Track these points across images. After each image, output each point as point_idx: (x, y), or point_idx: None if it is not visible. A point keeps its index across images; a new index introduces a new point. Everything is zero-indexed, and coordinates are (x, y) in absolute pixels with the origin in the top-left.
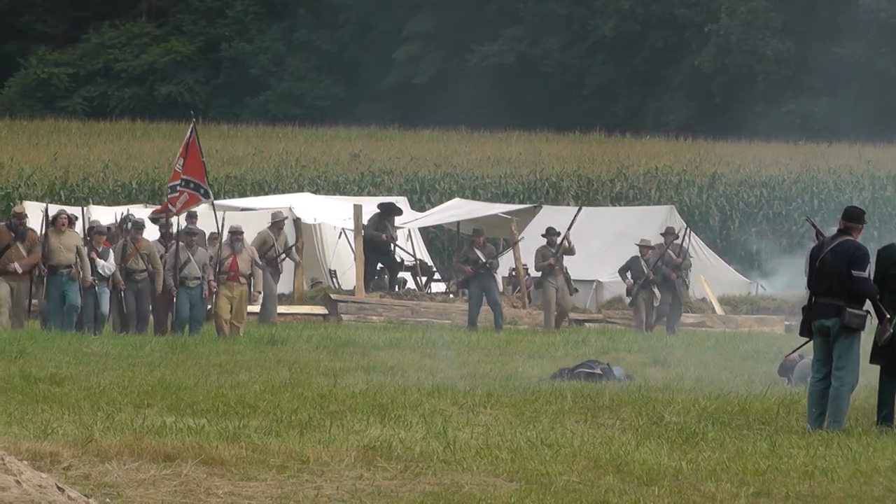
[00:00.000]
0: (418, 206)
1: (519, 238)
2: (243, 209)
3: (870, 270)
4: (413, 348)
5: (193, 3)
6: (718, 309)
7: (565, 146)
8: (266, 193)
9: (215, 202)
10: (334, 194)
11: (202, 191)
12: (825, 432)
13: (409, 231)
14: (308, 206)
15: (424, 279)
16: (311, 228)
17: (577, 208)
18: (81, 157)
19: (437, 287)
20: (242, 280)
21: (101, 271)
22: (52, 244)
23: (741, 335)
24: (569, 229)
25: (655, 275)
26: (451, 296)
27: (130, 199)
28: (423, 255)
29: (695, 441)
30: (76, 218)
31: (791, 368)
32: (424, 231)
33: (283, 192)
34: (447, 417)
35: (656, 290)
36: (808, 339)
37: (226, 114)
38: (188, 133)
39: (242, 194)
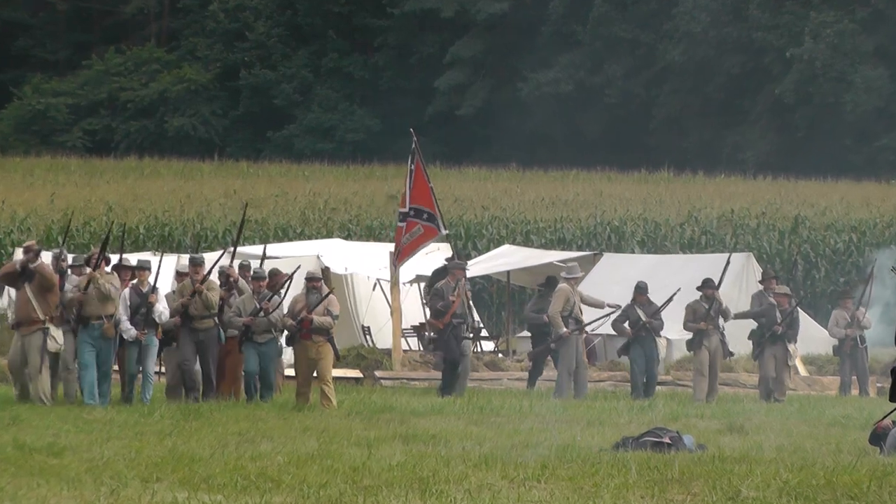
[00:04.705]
0: (463, 253)
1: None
2: (266, 258)
3: None
4: (458, 415)
5: (209, 25)
6: (802, 370)
7: (629, 186)
8: (290, 239)
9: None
10: (368, 240)
11: (436, 223)
12: None
13: None
14: (338, 254)
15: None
16: (342, 279)
17: (727, 255)
18: (82, 198)
19: (486, 346)
20: (316, 338)
21: (156, 318)
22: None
23: (827, 399)
24: (720, 283)
25: (791, 329)
26: (500, 355)
27: (137, 247)
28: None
29: None
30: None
31: (883, 436)
32: (470, 282)
33: (310, 237)
34: (496, 493)
35: (791, 347)
36: None
37: (246, 149)
38: (410, 157)
39: (265, 240)
